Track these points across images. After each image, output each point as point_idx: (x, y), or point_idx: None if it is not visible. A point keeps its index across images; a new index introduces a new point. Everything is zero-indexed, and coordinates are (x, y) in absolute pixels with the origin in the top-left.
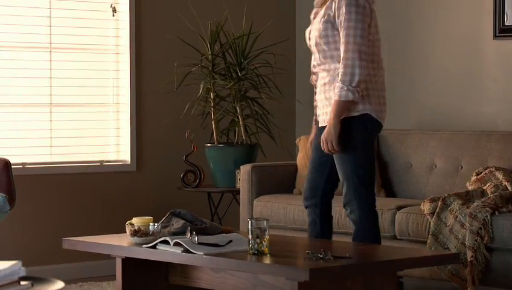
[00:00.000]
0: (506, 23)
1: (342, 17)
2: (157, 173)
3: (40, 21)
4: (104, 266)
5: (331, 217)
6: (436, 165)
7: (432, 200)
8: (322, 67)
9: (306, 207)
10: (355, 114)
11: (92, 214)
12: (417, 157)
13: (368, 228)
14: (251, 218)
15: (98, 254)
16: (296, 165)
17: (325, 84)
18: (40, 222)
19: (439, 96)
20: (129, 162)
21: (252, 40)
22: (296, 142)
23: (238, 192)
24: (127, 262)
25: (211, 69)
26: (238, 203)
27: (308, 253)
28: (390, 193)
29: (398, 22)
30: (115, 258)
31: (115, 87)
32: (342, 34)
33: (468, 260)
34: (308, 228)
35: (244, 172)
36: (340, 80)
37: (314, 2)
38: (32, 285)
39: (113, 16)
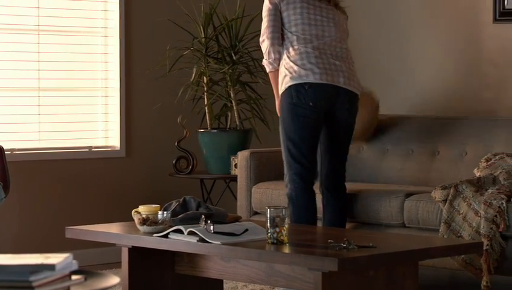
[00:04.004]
0: (506, 7)
1: None
2: (148, 159)
3: (27, 2)
4: (99, 254)
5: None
6: (439, 152)
7: (444, 188)
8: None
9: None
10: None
11: (81, 201)
12: (419, 144)
13: None
14: (270, 206)
15: (91, 242)
16: None
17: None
18: (30, 209)
19: (437, 80)
20: (118, 148)
21: (246, 22)
22: None
23: (232, 179)
24: (133, 251)
25: (204, 52)
26: (231, 190)
27: (330, 242)
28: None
29: (395, 4)
30: (113, 246)
31: (104, 71)
32: None
33: (484, 248)
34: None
35: (242, 158)
36: None
37: None
38: (86, 279)
39: None
